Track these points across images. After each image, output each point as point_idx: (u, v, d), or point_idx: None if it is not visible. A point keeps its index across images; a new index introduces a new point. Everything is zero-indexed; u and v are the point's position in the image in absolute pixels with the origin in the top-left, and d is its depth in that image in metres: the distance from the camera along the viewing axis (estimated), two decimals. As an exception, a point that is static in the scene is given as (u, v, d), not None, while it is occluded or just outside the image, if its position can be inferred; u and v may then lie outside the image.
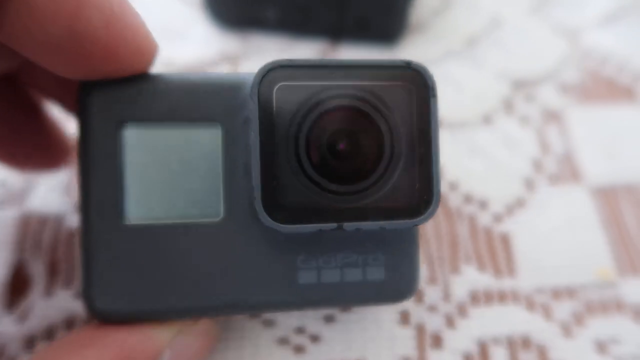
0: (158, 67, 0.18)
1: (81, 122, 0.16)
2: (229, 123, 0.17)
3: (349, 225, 0.16)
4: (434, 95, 0.16)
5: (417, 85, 0.16)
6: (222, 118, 0.17)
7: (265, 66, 0.16)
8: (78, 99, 0.16)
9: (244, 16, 0.28)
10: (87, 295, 0.16)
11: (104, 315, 0.16)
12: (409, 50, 0.29)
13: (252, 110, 0.16)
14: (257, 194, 0.15)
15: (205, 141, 0.17)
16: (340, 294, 0.17)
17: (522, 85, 0.28)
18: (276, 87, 0.16)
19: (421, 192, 0.16)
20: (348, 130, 0.16)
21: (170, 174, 0.17)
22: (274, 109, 0.16)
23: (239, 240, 0.17)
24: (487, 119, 0.27)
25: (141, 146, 0.16)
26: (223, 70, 0.28)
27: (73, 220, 0.23)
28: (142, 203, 0.16)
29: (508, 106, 0.27)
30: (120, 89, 0.16)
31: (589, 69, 0.29)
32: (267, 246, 0.17)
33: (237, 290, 0.16)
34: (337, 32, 0.28)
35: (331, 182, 0.16)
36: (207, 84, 0.17)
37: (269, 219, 0.15)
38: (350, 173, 0.16)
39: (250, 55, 0.28)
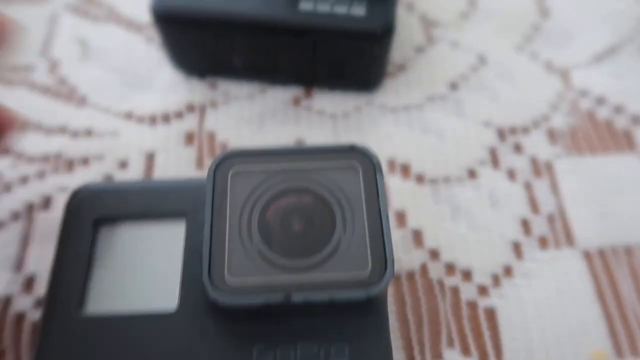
0: (120, 118, 0.21)
1: (63, 218, 0.18)
2: (192, 218, 0.18)
3: (296, 296, 0.15)
4: (380, 172, 0.17)
5: (364, 164, 0.18)
6: (186, 213, 0.18)
7: (220, 154, 0.18)
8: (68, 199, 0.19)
9: (210, 64, 0.27)
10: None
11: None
12: (388, 95, 0.27)
13: (207, 191, 0.17)
14: (205, 267, 0.16)
15: (169, 235, 0.18)
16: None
17: (509, 133, 0.26)
18: (230, 173, 0.17)
19: (374, 263, 0.16)
20: (301, 211, 0.17)
21: (133, 267, 0.18)
22: (228, 192, 0.17)
23: (194, 331, 0.16)
24: (472, 173, 0.25)
25: (111, 242, 0.18)
26: (189, 119, 0.26)
27: (22, 302, 0.21)
28: (103, 295, 0.17)
29: (494, 157, 0.25)
30: (100, 192, 0.19)
31: (580, 113, 0.27)
32: (222, 337, 0.16)
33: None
34: (309, 79, 0.27)
35: (282, 256, 0.16)
36: (176, 184, 0.19)
37: (212, 291, 0.15)
38: (302, 249, 0.16)
39: (218, 104, 0.27)
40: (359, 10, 0.23)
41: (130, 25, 0.29)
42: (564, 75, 0.28)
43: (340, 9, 0.23)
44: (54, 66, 0.28)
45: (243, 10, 0.23)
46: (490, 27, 0.30)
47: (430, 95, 0.27)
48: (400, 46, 0.29)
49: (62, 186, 0.24)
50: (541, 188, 0.24)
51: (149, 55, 0.28)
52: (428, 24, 0.30)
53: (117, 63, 0.28)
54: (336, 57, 0.25)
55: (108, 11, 0.30)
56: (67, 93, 0.27)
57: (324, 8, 0.23)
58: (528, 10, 0.30)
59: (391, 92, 0.27)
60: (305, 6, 0.23)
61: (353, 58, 0.25)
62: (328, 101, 0.27)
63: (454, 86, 0.27)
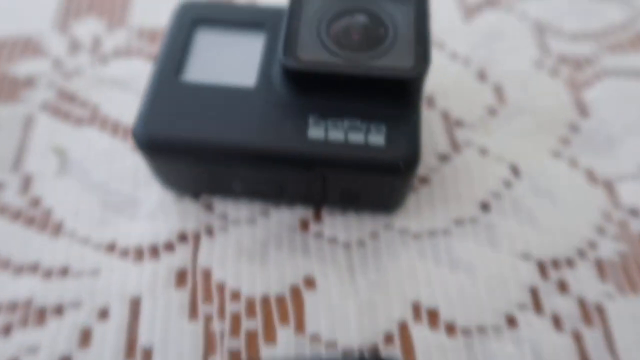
0: (101, 252, 0.23)
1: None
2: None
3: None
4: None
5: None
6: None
7: None
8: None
9: (204, 186, 0.23)
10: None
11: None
12: (410, 216, 0.23)
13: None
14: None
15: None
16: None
17: (552, 267, 0.22)
18: None
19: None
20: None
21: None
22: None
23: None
24: (511, 320, 0.21)
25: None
26: (181, 252, 0.23)
27: None
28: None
29: (536, 299, 0.22)
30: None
31: (631, 237, 0.23)
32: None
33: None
34: (319, 200, 0.23)
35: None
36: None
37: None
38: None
39: (214, 231, 0.23)
40: (378, 139, 0.20)
41: (117, 129, 0.26)
42: (609, 188, 0.24)
43: (356, 138, 0.20)
44: (26, 183, 0.24)
45: (242, 139, 0.20)
46: (521, 127, 0.26)
47: (459, 217, 0.24)
48: (423, 152, 0.25)
49: (31, 346, 0.20)
50: (593, 339, 0.21)
51: (136, 168, 0.25)
52: (451, 123, 0.26)
53: (99, 178, 0.24)
54: (351, 189, 0.21)
55: (92, 111, 0.26)
56: (41, 219, 0.23)
57: (336, 136, 0.20)
58: (564, 106, 0.27)
59: (413, 212, 0.24)
60: (314, 134, 0.20)
61: (370, 190, 0.21)
62: (340, 225, 0.23)
63: (484, 207, 0.24)
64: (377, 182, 0.21)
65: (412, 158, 0.20)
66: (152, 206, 0.24)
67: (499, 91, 0.28)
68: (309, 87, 0.21)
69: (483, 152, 0.25)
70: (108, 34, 0.30)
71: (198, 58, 0.22)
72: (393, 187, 0.21)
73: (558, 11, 0.31)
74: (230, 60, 0.22)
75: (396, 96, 0.21)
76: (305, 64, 0.20)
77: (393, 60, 0.20)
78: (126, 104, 0.27)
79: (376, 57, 0.20)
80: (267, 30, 0.23)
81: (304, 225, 0.23)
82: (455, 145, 0.26)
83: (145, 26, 0.30)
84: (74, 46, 0.29)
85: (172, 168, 0.22)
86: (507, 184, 0.24)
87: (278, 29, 0.23)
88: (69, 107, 0.27)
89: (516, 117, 0.27)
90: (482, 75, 0.28)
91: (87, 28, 0.30)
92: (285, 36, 0.20)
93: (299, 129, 0.20)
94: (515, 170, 0.25)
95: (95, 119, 0.26)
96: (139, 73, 0.28)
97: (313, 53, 0.20)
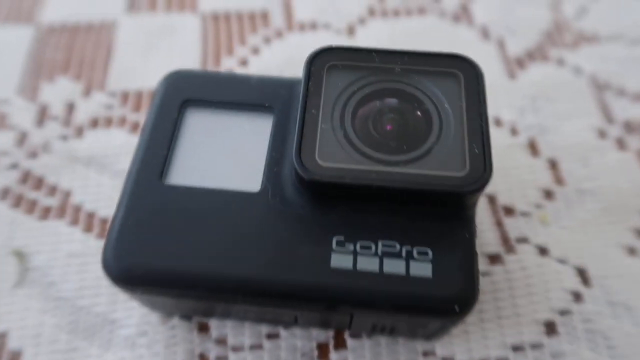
0: None
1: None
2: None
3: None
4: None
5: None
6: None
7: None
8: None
9: (199, 314, 0.18)
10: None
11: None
12: (455, 346, 0.18)
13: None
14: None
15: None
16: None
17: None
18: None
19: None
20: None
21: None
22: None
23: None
24: None
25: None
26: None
27: None
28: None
29: None
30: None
31: None
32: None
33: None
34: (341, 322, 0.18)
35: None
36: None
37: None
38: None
39: (209, 362, 0.18)
40: (423, 269, 0.15)
41: (91, 224, 0.21)
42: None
43: (394, 268, 0.15)
44: (-22, 298, 0.20)
45: (244, 271, 0.15)
46: (585, 215, 0.21)
47: (517, 343, 0.19)
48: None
49: None
50: None
51: None
52: (500, 211, 0.21)
53: (67, 291, 0.20)
54: (385, 324, 0.17)
55: (61, 200, 0.22)
56: (-8, 349, 0.19)
57: (367, 266, 0.15)
58: (636, 187, 0.22)
59: (459, 337, 0.19)
60: (339, 262, 0.15)
61: (411, 326, 0.17)
62: (369, 354, 0.18)
63: (549, 328, 0.19)
64: (421, 321, 0.16)
65: (468, 294, 0.15)
66: (132, 330, 0.19)
67: (554, 168, 0.23)
68: (331, 198, 0.16)
69: (542, 251, 0.21)
70: (84, 98, 0.25)
71: (188, 152, 0.17)
72: (441, 327, 0.16)
73: (617, 63, 0.26)
74: (229, 155, 0.17)
75: (444, 208, 0.16)
76: (326, 174, 0.15)
77: (440, 163, 0.15)
78: (103, 189, 0.22)
79: (417, 159, 0.16)
80: (276, 111, 0.18)
81: (323, 353, 0.19)
82: (507, 243, 0.21)
83: (130, 88, 0.25)
84: (42, 114, 0.24)
85: (156, 300, 0.17)
86: (576, 296, 0.20)
87: (290, 109, 0.18)
88: (34, 194, 0.22)
89: (578, 201, 0.22)
90: (533, 147, 0.23)
91: (59, 91, 0.25)
92: (299, 131, 0.16)
93: (319, 255, 0.15)
94: (583, 276, 0.20)
95: (65, 210, 0.21)
96: (120, 149, 0.23)
97: (335, 156, 0.15)
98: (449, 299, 0.15)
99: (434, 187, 0.15)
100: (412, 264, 0.15)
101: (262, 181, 0.17)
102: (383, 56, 0.17)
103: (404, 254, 0.15)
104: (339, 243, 0.15)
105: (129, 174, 0.17)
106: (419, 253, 0.15)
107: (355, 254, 0.15)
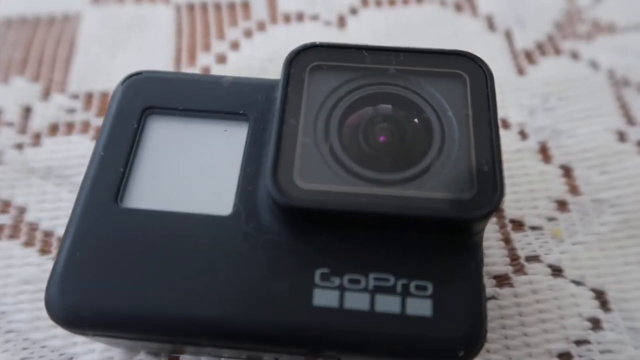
0: None
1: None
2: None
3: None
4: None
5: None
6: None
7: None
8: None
9: (165, 352, 0.16)
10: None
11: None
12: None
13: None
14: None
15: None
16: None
17: None
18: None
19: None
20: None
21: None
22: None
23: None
24: None
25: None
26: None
27: None
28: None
29: None
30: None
31: None
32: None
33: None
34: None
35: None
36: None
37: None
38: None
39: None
40: (421, 307, 0.13)
41: (48, 245, 0.19)
42: None
43: (387, 305, 0.13)
44: None
45: (210, 311, 0.13)
46: (603, 229, 0.19)
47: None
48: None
49: None
50: None
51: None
52: (507, 225, 0.19)
53: (19, 323, 0.17)
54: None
55: (15, 218, 0.19)
56: None
57: (356, 303, 0.13)
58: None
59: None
60: (323, 299, 0.13)
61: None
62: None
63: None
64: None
65: (474, 336, 0.13)
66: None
67: (568, 175, 0.21)
68: (314, 223, 0.14)
69: (555, 271, 0.18)
70: (42, 101, 0.22)
71: (149, 169, 0.15)
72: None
73: (637, 56, 0.23)
74: (196, 172, 0.15)
75: (447, 234, 0.14)
76: (307, 198, 0.13)
77: (442, 183, 0.13)
78: (63, 204, 0.19)
79: (416, 178, 0.14)
80: (251, 119, 0.16)
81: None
82: (515, 262, 0.19)
83: (95, 89, 0.23)
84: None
85: (113, 341, 0.15)
86: (595, 324, 0.17)
87: (268, 117, 0.15)
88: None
89: (595, 213, 0.19)
90: (544, 153, 0.21)
91: (14, 93, 0.23)
92: (275, 147, 0.14)
93: (300, 291, 0.13)
94: (602, 299, 0.18)
95: (20, 228, 0.19)
96: (83, 158, 0.20)
97: (318, 176, 0.13)
98: (452, 342, 0.13)
99: (436, 213, 0.13)
100: (409, 300, 0.13)
101: (234, 203, 0.14)
102: (375, 55, 0.15)
103: (399, 289, 0.13)
104: (323, 276, 0.13)
105: (79, 194, 0.15)
106: (416, 288, 0.13)
107: (342, 289, 0.13)
